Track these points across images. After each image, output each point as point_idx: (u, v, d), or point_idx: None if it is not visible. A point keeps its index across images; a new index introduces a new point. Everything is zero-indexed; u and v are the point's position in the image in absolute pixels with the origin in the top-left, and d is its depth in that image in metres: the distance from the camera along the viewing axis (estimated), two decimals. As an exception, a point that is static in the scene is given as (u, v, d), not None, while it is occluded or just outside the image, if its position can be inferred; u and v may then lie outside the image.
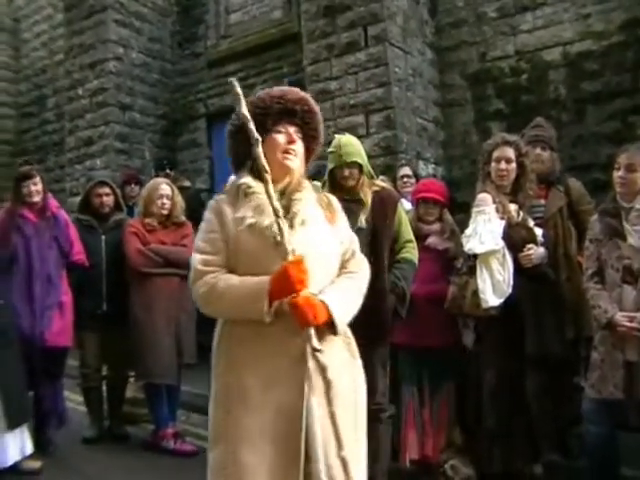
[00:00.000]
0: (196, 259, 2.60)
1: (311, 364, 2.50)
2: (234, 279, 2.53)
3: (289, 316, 2.47)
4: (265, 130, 2.63)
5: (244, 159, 2.70)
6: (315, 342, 2.47)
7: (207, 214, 2.68)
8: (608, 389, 3.74)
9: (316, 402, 2.50)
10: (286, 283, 2.42)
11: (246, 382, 2.50)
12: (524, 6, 7.79)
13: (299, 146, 2.71)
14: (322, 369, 2.51)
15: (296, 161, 2.70)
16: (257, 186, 2.60)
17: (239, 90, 2.59)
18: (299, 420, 2.45)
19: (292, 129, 2.69)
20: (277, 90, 2.73)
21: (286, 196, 2.66)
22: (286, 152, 2.65)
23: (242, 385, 2.50)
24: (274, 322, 2.48)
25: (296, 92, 2.75)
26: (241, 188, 2.62)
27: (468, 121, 8.18)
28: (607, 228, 3.90)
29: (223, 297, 2.51)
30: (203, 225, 2.68)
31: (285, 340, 2.51)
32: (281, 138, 2.66)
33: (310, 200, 2.73)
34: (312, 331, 2.47)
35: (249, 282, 2.50)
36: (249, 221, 2.54)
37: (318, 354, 2.49)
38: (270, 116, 2.64)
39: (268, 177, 2.54)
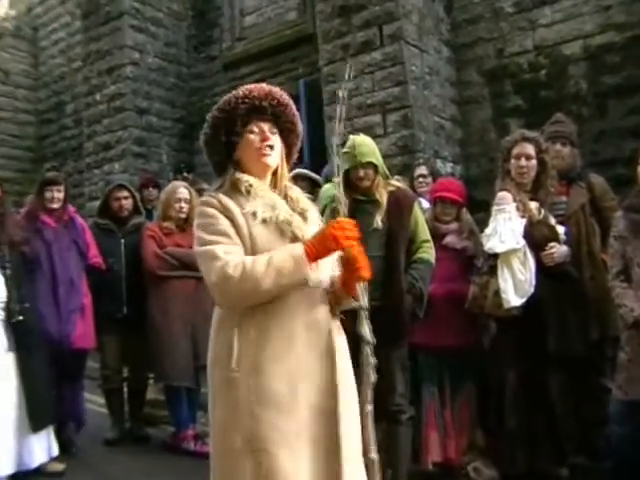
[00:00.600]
0: (214, 250, 2.41)
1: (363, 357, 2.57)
2: (261, 255, 2.41)
3: (312, 311, 2.47)
4: (236, 133, 2.57)
5: (225, 163, 2.65)
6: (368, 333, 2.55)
7: (206, 209, 2.53)
8: (636, 390, 3.66)
9: (346, 401, 2.47)
10: (330, 238, 2.38)
11: (273, 382, 2.38)
12: (542, 0, 7.70)
13: (275, 141, 2.62)
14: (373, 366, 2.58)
15: (274, 156, 2.62)
16: (256, 182, 2.57)
17: (340, 94, 2.71)
18: (335, 420, 2.41)
19: (265, 126, 2.60)
20: (242, 89, 2.62)
21: (279, 192, 2.66)
22: (261, 150, 2.57)
23: (270, 386, 2.38)
24: (297, 318, 2.44)
25: (262, 88, 2.63)
26: (242, 185, 2.55)
27: (486, 118, 8.10)
28: (632, 225, 3.82)
29: (255, 269, 2.34)
30: (205, 220, 2.52)
31: (309, 336, 2.45)
32: (254, 138, 2.58)
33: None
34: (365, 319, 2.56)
35: (280, 249, 2.41)
36: (263, 215, 2.48)
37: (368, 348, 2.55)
38: (239, 117, 2.56)
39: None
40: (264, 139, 2.57)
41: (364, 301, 2.54)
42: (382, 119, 7.40)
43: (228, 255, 2.38)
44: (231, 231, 2.46)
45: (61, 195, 5.52)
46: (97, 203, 6.46)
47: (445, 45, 8.18)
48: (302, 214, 2.60)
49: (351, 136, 4.26)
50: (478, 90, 8.15)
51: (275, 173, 2.67)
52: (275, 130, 2.62)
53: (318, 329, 2.47)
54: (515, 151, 4.35)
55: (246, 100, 2.55)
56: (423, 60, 7.61)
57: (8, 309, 4.79)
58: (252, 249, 2.45)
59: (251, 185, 2.54)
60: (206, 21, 11.27)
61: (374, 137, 4.50)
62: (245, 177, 2.56)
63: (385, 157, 4.25)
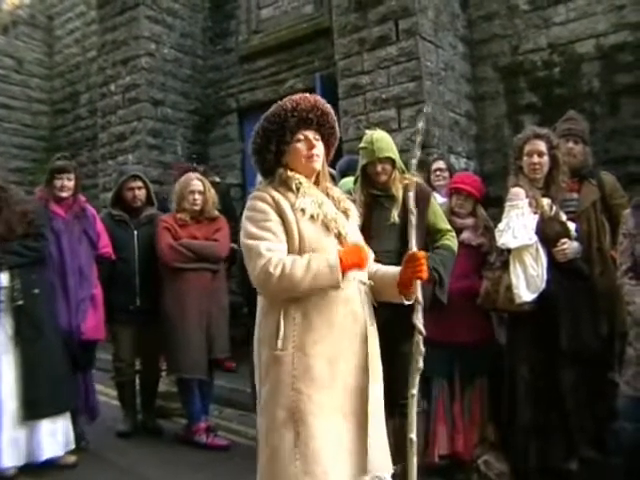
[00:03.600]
0: (259, 246, 2.65)
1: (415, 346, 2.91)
2: (300, 257, 2.66)
3: (349, 302, 2.74)
4: (286, 142, 2.82)
5: (274, 168, 2.88)
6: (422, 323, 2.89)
7: (259, 204, 2.76)
8: (644, 386, 3.69)
9: (374, 381, 2.77)
10: (359, 257, 2.72)
11: (315, 362, 2.65)
12: (556, -2, 7.70)
13: (319, 148, 2.88)
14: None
15: (319, 162, 2.89)
16: (305, 180, 2.83)
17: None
18: (365, 398, 2.70)
19: (310, 134, 2.85)
20: (289, 102, 2.83)
21: (322, 190, 2.93)
22: (309, 157, 2.84)
23: (312, 365, 2.65)
24: (336, 308, 2.70)
25: (307, 100, 2.86)
26: (293, 182, 2.80)
27: (500, 115, 8.10)
28: (641, 222, 3.85)
29: (294, 270, 2.60)
30: (255, 214, 2.75)
31: (346, 324, 2.72)
32: (302, 146, 2.84)
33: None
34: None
35: (318, 256, 2.66)
36: (311, 212, 2.74)
37: (420, 337, 2.91)
38: (289, 129, 2.80)
39: None
40: (310, 147, 2.84)
41: (419, 295, 2.82)
42: (397, 114, 7.41)
43: (270, 252, 2.63)
44: (279, 229, 2.71)
45: (71, 184, 5.48)
46: (111, 194, 6.42)
47: (460, 41, 8.17)
48: (345, 212, 2.92)
49: (367, 131, 4.30)
50: (493, 86, 8.14)
51: (318, 174, 2.93)
52: (318, 137, 2.88)
53: (354, 318, 2.74)
54: (527, 148, 4.40)
55: (295, 113, 2.80)
56: (438, 56, 7.62)
57: (12, 294, 4.82)
58: (300, 243, 2.71)
59: (301, 182, 2.80)
60: (222, 13, 11.24)
61: (389, 132, 4.53)
62: (295, 175, 2.82)
63: (400, 152, 4.29)
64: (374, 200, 4.15)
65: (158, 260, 5.68)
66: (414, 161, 3.08)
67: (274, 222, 2.71)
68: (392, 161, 4.12)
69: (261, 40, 10.58)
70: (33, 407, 4.81)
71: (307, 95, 2.90)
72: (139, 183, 6.05)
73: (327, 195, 2.93)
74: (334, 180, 5.63)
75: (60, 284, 5.29)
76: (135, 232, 5.94)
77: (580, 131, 4.86)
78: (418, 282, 2.82)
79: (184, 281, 5.57)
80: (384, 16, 7.56)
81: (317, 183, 2.94)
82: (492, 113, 8.17)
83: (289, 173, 2.83)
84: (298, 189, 2.79)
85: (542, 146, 4.36)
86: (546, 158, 4.36)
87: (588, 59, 7.42)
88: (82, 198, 5.72)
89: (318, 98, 2.92)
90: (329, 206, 2.84)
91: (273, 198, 2.75)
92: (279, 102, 2.87)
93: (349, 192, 4.31)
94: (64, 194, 5.45)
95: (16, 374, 4.82)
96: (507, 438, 4.48)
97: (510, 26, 8.02)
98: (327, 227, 2.76)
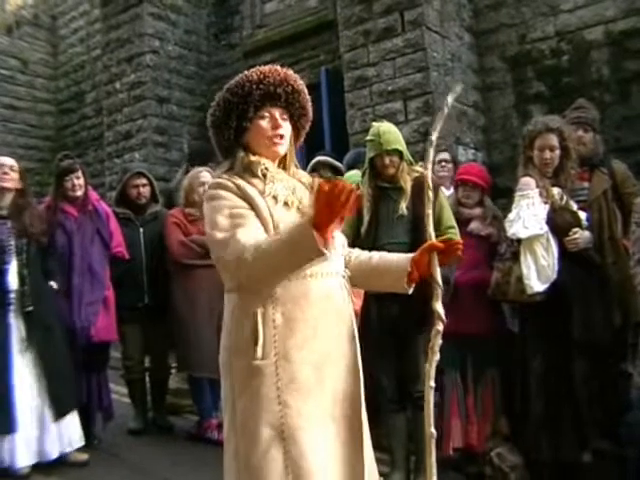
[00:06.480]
0: (234, 235, 2.27)
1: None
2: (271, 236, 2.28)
3: (333, 298, 2.42)
4: (248, 119, 2.48)
5: (233, 146, 2.54)
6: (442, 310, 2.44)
7: (220, 192, 2.40)
8: (658, 377, 3.65)
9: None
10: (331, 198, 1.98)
11: (300, 369, 2.32)
12: (564, -15, 7.63)
13: (286, 129, 2.54)
14: None
15: (284, 145, 2.55)
16: (271, 165, 2.50)
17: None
18: (359, 404, 2.38)
19: (277, 112, 2.50)
20: (255, 74, 2.47)
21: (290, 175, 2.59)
22: (272, 138, 2.49)
23: (297, 372, 2.32)
24: (320, 305, 2.38)
25: (277, 72, 2.51)
26: (258, 168, 2.46)
27: (508, 105, 8.05)
28: (653, 211, 3.80)
29: (267, 251, 2.18)
30: (220, 203, 2.38)
31: (332, 323, 2.40)
32: (265, 124, 2.49)
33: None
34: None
35: (287, 226, 2.25)
36: (285, 199, 2.42)
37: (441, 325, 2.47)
38: (252, 103, 2.45)
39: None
40: (275, 127, 2.49)
41: (439, 278, 2.44)
42: (403, 106, 7.35)
43: (248, 238, 2.24)
44: (250, 213, 2.35)
45: (81, 181, 5.44)
46: (118, 192, 6.40)
47: (467, 31, 8.11)
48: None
49: (374, 123, 4.28)
50: (500, 77, 8.09)
51: (283, 157, 2.60)
52: (286, 116, 2.55)
53: (338, 316, 2.42)
54: (538, 142, 4.33)
55: (261, 86, 2.45)
56: (445, 46, 7.57)
57: (21, 298, 4.81)
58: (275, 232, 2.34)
59: (267, 168, 2.47)
60: (226, 8, 11.22)
61: (395, 124, 4.50)
62: (260, 160, 2.49)
63: (406, 144, 4.26)
64: (382, 192, 4.14)
65: (167, 256, 5.65)
66: (432, 139, 2.55)
67: (243, 208, 2.35)
68: (400, 153, 4.10)
69: (265, 35, 10.56)
70: (59, 406, 4.87)
71: (277, 68, 2.53)
72: (143, 180, 6.03)
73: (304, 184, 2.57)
74: (337, 171, 5.62)
75: (69, 284, 5.28)
76: (141, 229, 5.92)
77: (590, 119, 4.80)
78: (437, 265, 2.46)
79: (194, 278, 5.49)
80: (389, 7, 7.52)
81: (283, 169, 2.59)
82: (500, 103, 8.12)
83: (252, 158, 2.48)
84: (265, 175, 2.44)
85: (554, 140, 4.30)
86: (558, 152, 4.31)
87: (597, 46, 7.36)
88: (95, 196, 5.71)
89: (290, 73, 2.56)
90: (303, 191, 2.51)
91: (238, 186, 2.39)
92: (245, 72, 2.52)
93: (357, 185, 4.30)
94: (78, 193, 5.42)
95: (34, 375, 4.83)
96: (519, 430, 4.43)
97: (517, 15, 7.96)
98: (303, 215, 2.35)
